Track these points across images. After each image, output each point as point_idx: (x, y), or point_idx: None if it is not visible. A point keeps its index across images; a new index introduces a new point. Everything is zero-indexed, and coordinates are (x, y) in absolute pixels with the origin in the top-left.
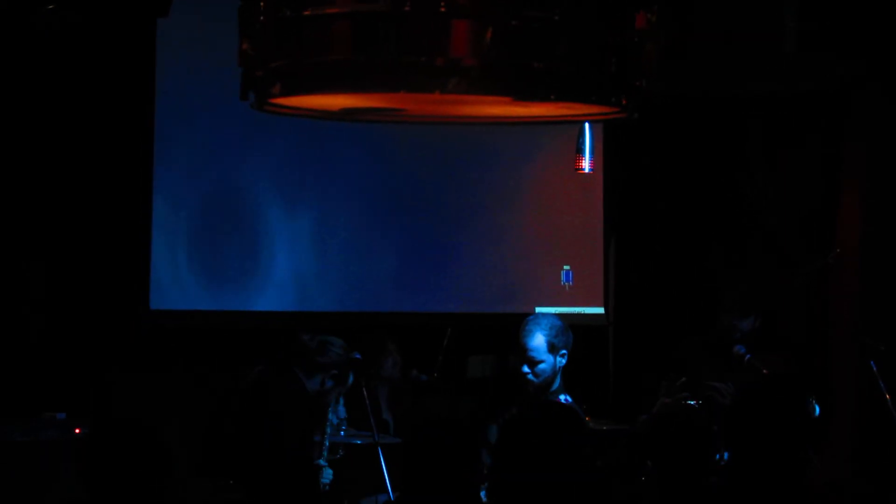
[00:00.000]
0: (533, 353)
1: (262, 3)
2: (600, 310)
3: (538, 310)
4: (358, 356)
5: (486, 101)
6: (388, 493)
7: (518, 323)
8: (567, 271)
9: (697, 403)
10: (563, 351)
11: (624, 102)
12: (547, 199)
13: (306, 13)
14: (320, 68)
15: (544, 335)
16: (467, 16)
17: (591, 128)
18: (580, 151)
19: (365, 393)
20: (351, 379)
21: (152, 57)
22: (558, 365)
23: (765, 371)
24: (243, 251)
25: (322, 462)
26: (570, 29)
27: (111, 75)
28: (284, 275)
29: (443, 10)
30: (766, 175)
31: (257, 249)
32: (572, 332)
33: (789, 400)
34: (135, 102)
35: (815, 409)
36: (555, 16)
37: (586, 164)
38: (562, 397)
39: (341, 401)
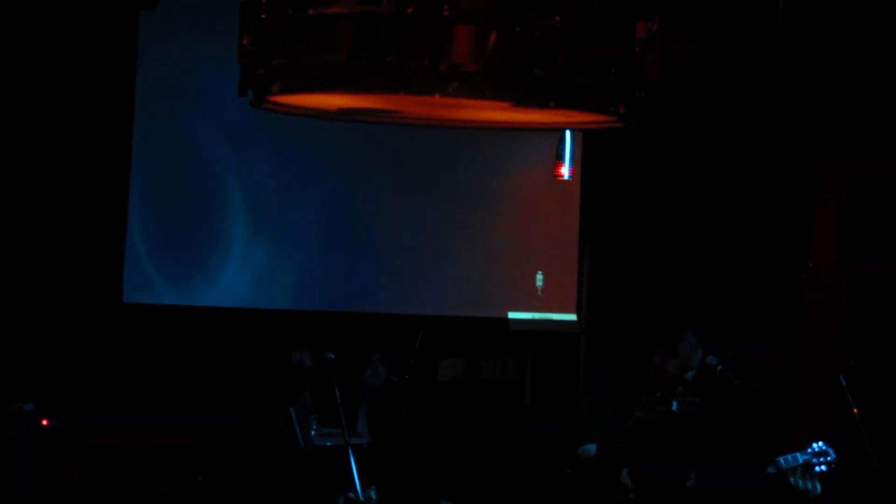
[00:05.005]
0: None
1: (263, 1)
2: (573, 317)
3: (511, 315)
4: (331, 356)
5: (483, 105)
6: (357, 491)
7: (490, 327)
8: (541, 277)
9: (672, 413)
10: None
11: (622, 111)
12: (523, 204)
13: (309, 12)
14: (321, 68)
15: None
16: (471, 20)
17: (571, 135)
18: (560, 158)
19: (337, 393)
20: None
21: (134, 50)
22: None
23: (736, 382)
24: (218, 248)
25: None
26: (572, 36)
27: (91, 69)
28: (258, 273)
29: (446, 13)
30: (743, 188)
31: (232, 246)
32: (544, 338)
33: (753, 413)
34: (114, 97)
35: (816, 488)
36: (557, 23)
37: (566, 171)
38: None
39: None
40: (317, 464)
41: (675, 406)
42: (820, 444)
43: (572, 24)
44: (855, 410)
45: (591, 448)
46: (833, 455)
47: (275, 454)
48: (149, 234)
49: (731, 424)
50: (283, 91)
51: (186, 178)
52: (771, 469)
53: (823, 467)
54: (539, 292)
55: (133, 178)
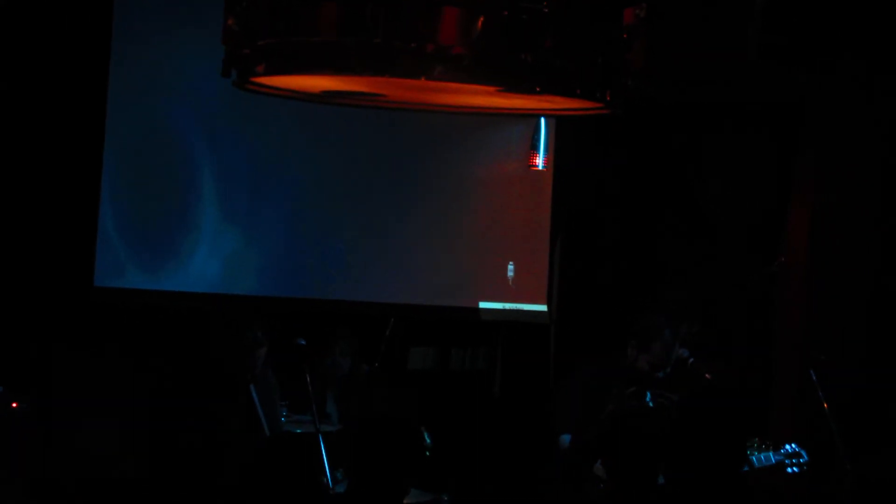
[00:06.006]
0: None
1: None
2: (543, 307)
3: (482, 305)
4: (302, 342)
5: (468, 90)
6: (327, 477)
7: (460, 317)
8: (512, 267)
9: (647, 406)
10: None
11: (608, 98)
12: (496, 194)
13: None
14: (307, 49)
15: None
16: (459, 4)
17: (546, 125)
18: (535, 148)
19: (308, 379)
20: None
21: (108, 34)
22: None
23: (707, 376)
24: (189, 233)
25: None
26: (560, 22)
27: (65, 52)
28: (229, 258)
29: None
30: (717, 181)
31: (203, 232)
32: (514, 328)
33: (728, 413)
34: (88, 82)
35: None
36: (544, 8)
37: (540, 162)
38: None
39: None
40: (285, 449)
41: (648, 398)
42: (793, 445)
43: (560, 9)
44: (825, 405)
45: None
46: (805, 457)
47: (237, 435)
48: (120, 218)
49: (702, 422)
50: (268, 72)
51: (158, 163)
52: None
53: (795, 469)
54: (510, 282)
55: (106, 162)
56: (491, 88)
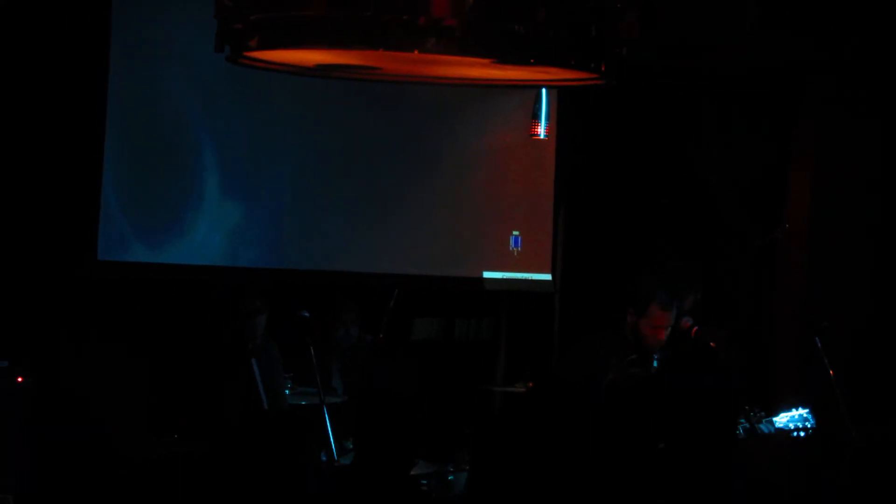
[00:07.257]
0: None
1: None
2: (548, 276)
3: (486, 275)
4: (306, 314)
5: (463, 62)
6: (332, 449)
7: (465, 287)
8: (516, 237)
9: (645, 375)
10: None
11: (602, 69)
12: (499, 164)
13: None
14: (299, 23)
15: None
16: None
17: (547, 94)
18: (536, 117)
19: (312, 352)
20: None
21: (108, 6)
22: None
23: (712, 344)
24: (192, 206)
25: None
26: None
27: (66, 25)
28: (232, 231)
29: None
30: (718, 150)
31: (205, 204)
32: (518, 297)
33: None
34: (89, 55)
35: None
36: None
37: (542, 130)
38: None
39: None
40: (285, 424)
41: (655, 365)
42: (800, 409)
43: None
44: (830, 372)
45: None
46: (812, 422)
47: (237, 408)
48: (123, 192)
49: (695, 386)
50: (261, 46)
51: (160, 137)
52: (742, 433)
53: (801, 433)
54: (514, 252)
55: (108, 137)
56: (485, 60)
